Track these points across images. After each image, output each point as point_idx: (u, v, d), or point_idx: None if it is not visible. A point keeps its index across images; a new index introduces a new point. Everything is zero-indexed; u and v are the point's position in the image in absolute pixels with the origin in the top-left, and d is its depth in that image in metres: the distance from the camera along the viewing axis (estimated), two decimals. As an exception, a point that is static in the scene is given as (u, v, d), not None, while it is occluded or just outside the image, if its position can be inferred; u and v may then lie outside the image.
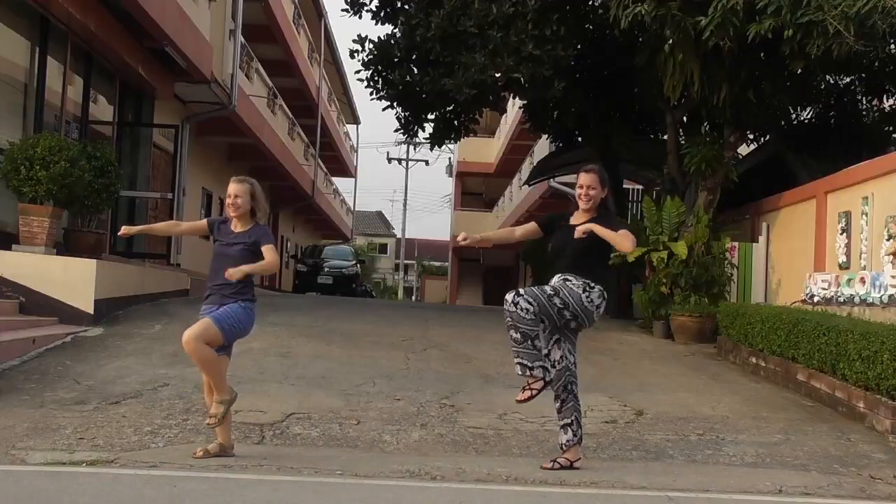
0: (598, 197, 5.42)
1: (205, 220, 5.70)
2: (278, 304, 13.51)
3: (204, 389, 5.42)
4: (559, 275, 5.36)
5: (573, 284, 5.30)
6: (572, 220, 5.48)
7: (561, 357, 5.39)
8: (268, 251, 5.32)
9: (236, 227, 5.42)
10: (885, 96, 13.00)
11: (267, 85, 21.60)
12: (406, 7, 13.14)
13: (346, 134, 41.10)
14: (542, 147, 24.31)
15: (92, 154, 10.22)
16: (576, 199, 5.54)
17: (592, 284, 5.32)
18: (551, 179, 21.09)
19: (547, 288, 5.32)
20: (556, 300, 5.25)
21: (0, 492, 4.39)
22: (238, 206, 5.36)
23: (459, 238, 5.68)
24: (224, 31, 16.17)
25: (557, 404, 5.43)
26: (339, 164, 38.93)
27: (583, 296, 5.29)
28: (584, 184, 5.42)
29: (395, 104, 13.87)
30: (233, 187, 5.37)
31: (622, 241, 5.22)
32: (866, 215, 9.09)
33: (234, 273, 5.14)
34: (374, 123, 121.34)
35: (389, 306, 17.38)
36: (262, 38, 21.73)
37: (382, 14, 13.67)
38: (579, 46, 13.34)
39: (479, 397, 7.29)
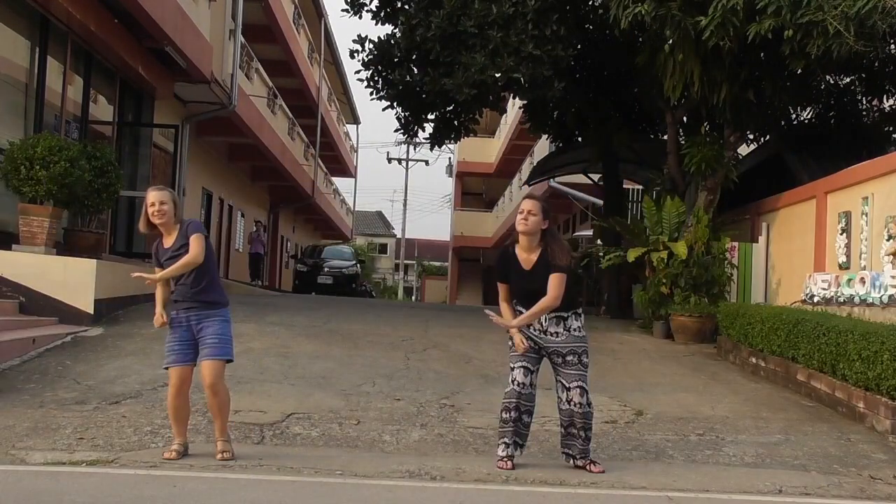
0: (538, 224, 5.32)
1: (157, 271, 5.40)
2: (278, 304, 13.51)
3: (172, 417, 5.32)
4: (554, 314, 5.31)
5: (578, 332, 5.37)
6: (519, 253, 5.42)
7: (585, 401, 5.35)
8: (193, 241, 5.25)
9: (167, 240, 5.37)
10: (885, 96, 12.99)
11: (267, 85, 21.59)
12: (406, 7, 13.13)
13: (346, 134, 41.10)
14: (542, 147, 24.31)
15: (92, 154, 10.22)
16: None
17: (580, 313, 5.47)
18: (551, 179, 21.09)
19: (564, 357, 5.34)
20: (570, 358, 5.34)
21: (0, 492, 4.39)
22: (164, 212, 5.28)
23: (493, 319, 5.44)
24: (224, 31, 16.16)
25: (579, 442, 5.35)
26: (339, 164, 38.93)
27: (583, 336, 5.41)
28: (525, 208, 5.35)
29: (395, 104, 13.87)
30: (155, 195, 5.30)
31: (554, 288, 5.23)
32: (866, 215, 9.09)
33: (153, 279, 5.24)
34: (374, 123, 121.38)
35: (389, 306, 17.38)
36: (262, 38, 21.73)
37: (382, 14, 13.66)
38: (579, 46, 13.34)
39: (478, 397, 7.29)
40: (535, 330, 5.36)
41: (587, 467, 5.34)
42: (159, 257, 5.40)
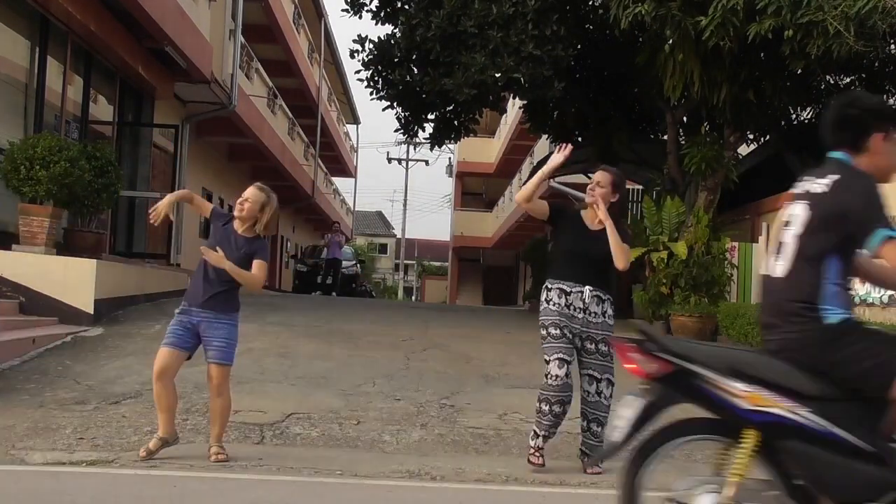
0: (606, 197, 5.33)
1: (210, 205, 5.60)
2: (278, 304, 13.51)
3: (161, 417, 5.24)
4: (590, 287, 5.27)
5: (611, 319, 5.34)
6: (584, 216, 5.42)
7: (611, 394, 5.32)
8: (258, 266, 5.27)
9: (239, 228, 5.39)
10: (885, 96, 13.00)
11: (267, 85, 21.60)
12: (406, 7, 13.14)
13: (346, 134, 41.09)
14: (542, 147, 24.30)
15: (92, 154, 10.21)
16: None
17: (612, 301, 5.42)
18: (551, 179, 21.03)
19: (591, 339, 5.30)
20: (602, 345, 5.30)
21: (0, 492, 4.39)
22: (244, 209, 5.35)
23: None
24: (224, 31, 16.16)
25: (598, 441, 5.31)
26: (339, 164, 38.93)
27: (613, 324, 5.37)
28: (595, 179, 5.41)
29: (395, 104, 13.88)
30: (248, 192, 5.37)
31: (623, 253, 5.27)
32: (866, 215, 9.08)
33: (218, 260, 5.09)
34: (374, 123, 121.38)
35: (389, 306, 17.38)
36: (262, 38, 21.73)
37: (382, 14, 13.67)
38: (579, 46, 13.35)
39: (479, 397, 7.29)
40: (576, 309, 5.24)
41: (588, 469, 5.30)
42: (213, 220, 5.40)
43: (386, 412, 6.65)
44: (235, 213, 5.38)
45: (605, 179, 5.36)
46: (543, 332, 5.29)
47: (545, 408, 5.20)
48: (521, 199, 5.32)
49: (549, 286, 5.35)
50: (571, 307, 5.26)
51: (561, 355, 5.19)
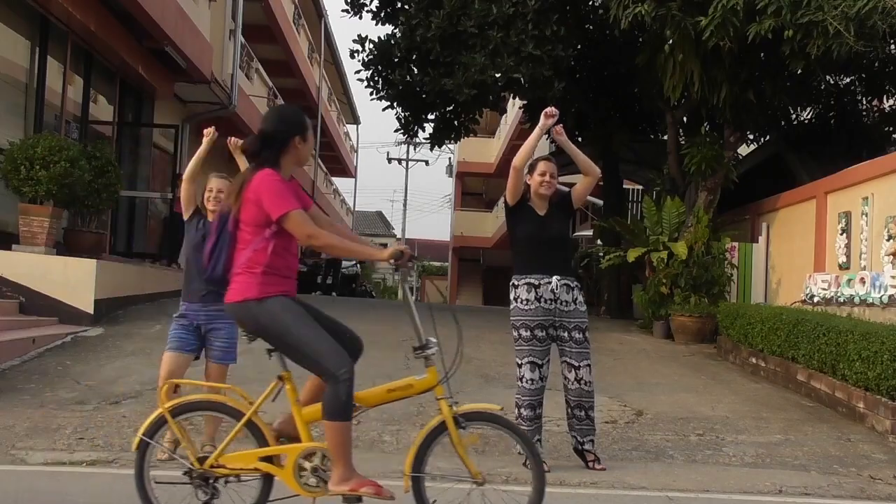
0: (555, 185, 5.53)
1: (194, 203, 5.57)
2: (278, 304, 13.49)
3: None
4: (557, 277, 5.33)
5: (582, 305, 5.41)
6: (535, 209, 5.51)
7: (592, 379, 5.42)
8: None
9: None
10: (885, 96, 13.01)
11: (267, 85, 21.59)
12: (406, 7, 13.15)
13: (346, 134, 41.08)
14: (542, 147, 24.29)
15: (92, 154, 10.22)
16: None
17: (581, 287, 5.55)
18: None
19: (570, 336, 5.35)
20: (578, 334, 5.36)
21: (0, 492, 4.39)
22: (220, 200, 5.38)
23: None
24: (224, 31, 16.16)
25: (587, 423, 5.39)
26: (339, 164, 38.92)
27: (585, 310, 5.45)
28: (547, 171, 5.50)
29: (395, 104, 13.89)
30: (216, 182, 5.43)
31: (590, 163, 5.66)
32: (866, 215, 9.09)
33: (236, 145, 5.16)
34: (374, 123, 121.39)
35: (389, 306, 17.37)
36: (262, 38, 21.72)
37: (382, 14, 13.69)
38: (579, 46, 13.37)
39: (478, 397, 7.28)
40: (546, 301, 5.29)
41: (592, 465, 5.33)
42: (196, 217, 5.42)
43: (386, 412, 6.63)
44: (210, 207, 5.39)
45: (554, 170, 5.60)
46: (515, 334, 5.37)
47: (525, 413, 5.31)
48: (518, 163, 5.45)
49: (517, 283, 5.38)
50: (542, 299, 5.29)
51: (531, 358, 5.29)
